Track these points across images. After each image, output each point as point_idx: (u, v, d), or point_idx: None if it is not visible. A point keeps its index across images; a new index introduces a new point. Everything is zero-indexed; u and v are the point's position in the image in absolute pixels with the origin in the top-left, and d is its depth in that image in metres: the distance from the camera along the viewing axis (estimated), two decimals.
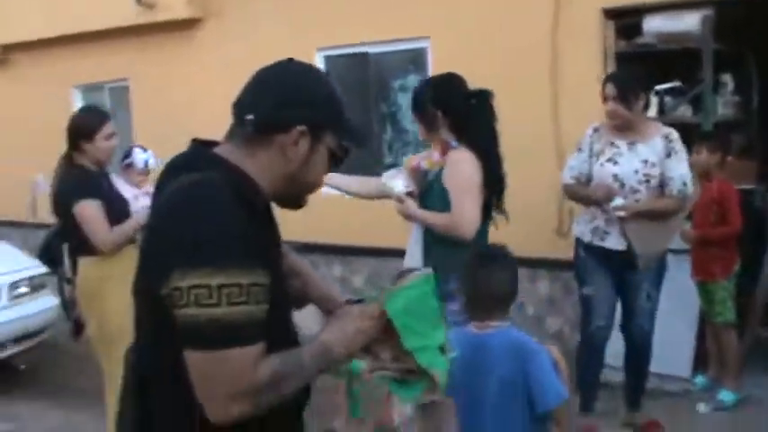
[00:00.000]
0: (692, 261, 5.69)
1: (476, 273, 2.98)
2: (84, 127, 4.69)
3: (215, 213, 1.80)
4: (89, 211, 4.60)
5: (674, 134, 4.90)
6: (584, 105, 5.59)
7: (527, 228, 6.09)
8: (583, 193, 5.07)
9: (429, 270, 2.25)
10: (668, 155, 4.84)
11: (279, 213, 2.09)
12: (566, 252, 5.38)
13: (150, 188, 5.93)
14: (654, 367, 5.46)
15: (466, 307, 3.02)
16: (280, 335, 2.00)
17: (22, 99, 11.02)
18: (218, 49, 8.78)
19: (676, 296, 5.86)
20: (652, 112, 6.18)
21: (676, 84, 6.36)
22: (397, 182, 4.39)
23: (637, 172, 4.83)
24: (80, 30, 9.84)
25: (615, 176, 4.85)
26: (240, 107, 2.00)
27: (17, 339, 6.86)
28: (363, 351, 2.11)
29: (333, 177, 4.08)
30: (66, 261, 5.03)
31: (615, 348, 5.37)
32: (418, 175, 4.39)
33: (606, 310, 5.08)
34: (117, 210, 4.75)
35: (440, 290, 3.84)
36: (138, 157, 6.01)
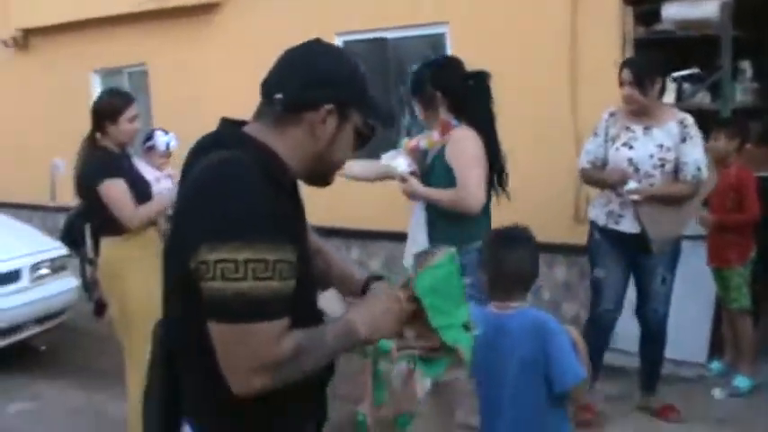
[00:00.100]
0: (708, 247, 5.71)
1: (497, 253, 3.00)
2: (108, 109, 4.73)
3: (243, 191, 1.83)
4: (115, 190, 4.65)
5: (690, 119, 4.93)
6: (602, 92, 5.60)
7: (545, 213, 6.13)
8: (598, 177, 5.11)
9: (452, 249, 2.28)
10: (683, 140, 4.87)
11: None
12: (583, 238, 5.40)
13: (171, 170, 6.00)
14: (669, 353, 5.49)
15: (486, 287, 3.05)
16: (305, 311, 2.03)
17: (41, 83, 11.08)
18: (236, 34, 8.81)
19: (692, 282, 5.88)
20: (670, 98, 6.19)
21: (695, 70, 6.36)
22: (400, 161, 4.47)
23: (652, 156, 4.86)
24: (100, 14, 9.90)
25: (630, 161, 4.88)
26: (268, 87, 2.04)
27: (38, 320, 6.94)
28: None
29: None
30: (89, 242, 5.08)
31: (630, 333, 5.41)
32: (417, 155, 4.51)
33: (615, 295, 5.13)
34: (139, 191, 4.80)
35: None
36: (160, 139, 6.06)
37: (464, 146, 4.29)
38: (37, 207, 10.59)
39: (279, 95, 1.99)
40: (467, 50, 6.90)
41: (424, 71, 4.48)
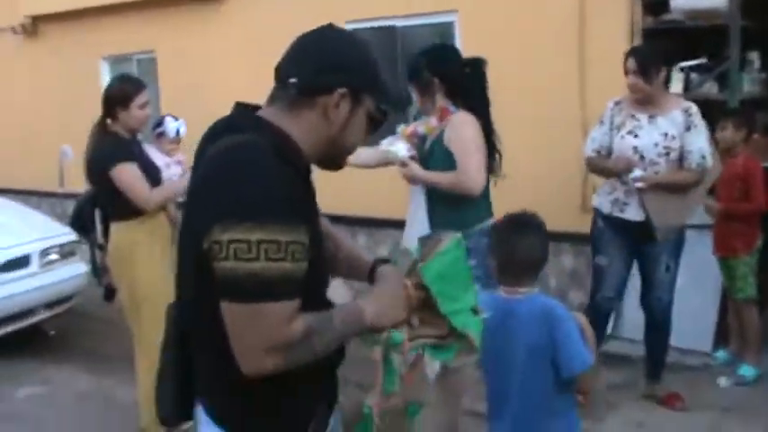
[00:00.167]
0: (714, 236, 5.73)
1: (507, 239, 3.02)
2: (120, 95, 4.76)
3: (257, 173, 1.85)
4: (128, 174, 4.68)
5: (694, 108, 4.97)
6: (610, 81, 5.61)
7: (552, 202, 6.14)
8: (603, 166, 5.15)
9: (458, 234, 2.31)
10: (688, 128, 4.91)
11: None
12: (589, 226, 5.42)
13: (181, 156, 6.04)
14: (675, 342, 5.52)
15: (496, 272, 3.07)
16: (316, 295, 2.06)
17: (50, 70, 11.11)
18: (244, 21, 8.82)
19: (698, 271, 5.91)
20: (678, 88, 6.21)
21: (702, 60, 6.36)
22: (399, 146, 4.53)
23: (656, 145, 4.90)
24: (109, 2, 9.93)
25: (635, 149, 4.92)
26: (282, 71, 2.06)
27: (47, 305, 6.99)
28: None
29: None
30: (99, 227, 5.11)
31: (635, 321, 5.43)
32: (416, 140, 4.59)
33: (615, 283, 5.19)
34: (150, 177, 4.82)
35: None
36: (170, 125, 6.10)
37: (463, 130, 4.36)
38: (46, 194, 10.64)
39: (293, 80, 2.01)
40: (475, 39, 6.95)
41: (420, 58, 4.55)
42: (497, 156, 4.61)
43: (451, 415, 4.65)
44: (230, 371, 1.91)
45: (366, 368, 2.33)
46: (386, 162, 4.65)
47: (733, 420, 5.06)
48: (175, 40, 9.52)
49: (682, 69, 6.27)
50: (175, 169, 5.90)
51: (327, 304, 2.13)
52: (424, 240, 2.30)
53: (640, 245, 5.10)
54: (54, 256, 7.05)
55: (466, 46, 6.93)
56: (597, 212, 5.25)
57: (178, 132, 6.09)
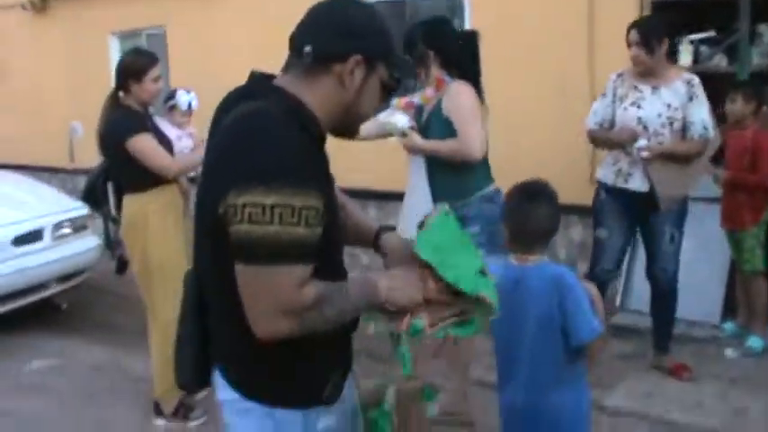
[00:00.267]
0: (722, 209, 5.74)
1: (518, 207, 3.04)
2: (134, 67, 4.78)
3: (271, 139, 1.88)
4: (145, 143, 4.71)
5: (696, 79, 5.02)
6: (619, 55, 5.60)
7: (560, 175, 6.13)
8: (606, 137, 5.19)
9: (445, 205, 2.37)
10: (690, 99, 4.96)
11: None
12: None
13: (192, 129, 6.07)
14: (683, 313, 5.55)
15: (507, 239, 3.10)
16: (331, 264, 2.10)
17: (59, 46, 11.11)
18: None
19: (706, 244, 5.94)
20: (687, 61, 6.22)
21: (712, 33, 6.35)
22: (399, 117, 4.58)
23: (660, 115, 4.94)
24: None
25: (639, 120, 4.97)
26: (297, 40, 2.08)
27: (60, 279, 7.05)
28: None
29: None
30: (112, 200, 5.15)
31: (643, 293, 5.46)
32: (412, 111, 4.66)
33: (615, 255, 5.27)
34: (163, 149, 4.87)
35: (456, 216, 4.02)
36: (182, 98, 6.12)
37: (462, 98, 4.42)
38: (56, 170, 10.68)
39: (308, 48, 2.03)
40: (485, 14, 6.96)
41: (416, 31, 4.60)
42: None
43: (459, 385, 4.70)
44: (246, 337, 1.95)
45: (377, 339, 2.37)
46: (385, 134, 4.70)
47: (740, 391, 5.09)
48: (185, 16, 9.51)
49: (691, 42, 6.27)
50: (187, 142, 5.93)
51: (344, 274, 2.16)
52: (420, 224, 2.32)
53: (644, 216, 5.15)
54: (66, 230, 7.10)
55: (475, 22, 6.96)
56: (600, 185, 5.29)
57: (190, 105, 6.12)
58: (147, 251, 4.84)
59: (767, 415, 4.75)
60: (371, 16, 2.11)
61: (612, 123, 5.14)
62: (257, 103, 1.97)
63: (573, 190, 6.13)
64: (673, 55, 6.21)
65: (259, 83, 2.11)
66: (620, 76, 5.16)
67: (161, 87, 4.96)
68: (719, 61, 6.26)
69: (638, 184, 5.04)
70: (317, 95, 2.06)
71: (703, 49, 6.32)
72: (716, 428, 4.63)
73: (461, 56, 4.52)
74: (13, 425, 5.12)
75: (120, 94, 4.83)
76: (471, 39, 4.60)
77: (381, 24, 2.13)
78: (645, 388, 5.18)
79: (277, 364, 2.06)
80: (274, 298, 1.88)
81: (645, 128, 4.95)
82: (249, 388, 2.11)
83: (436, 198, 4.45)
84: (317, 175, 1.96)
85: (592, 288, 3.09)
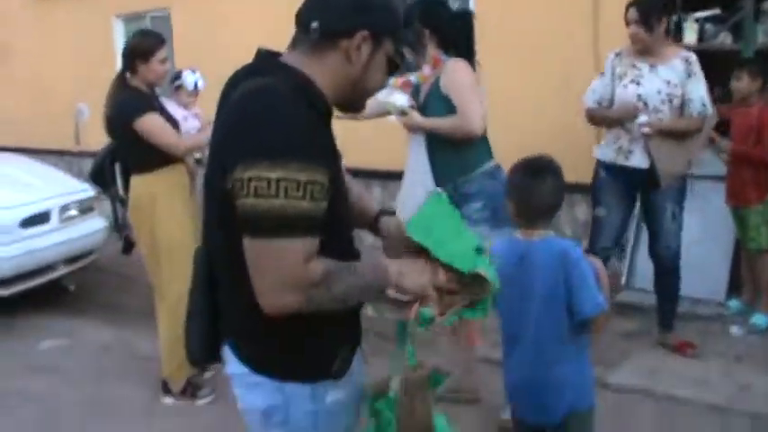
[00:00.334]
0: (727, 187, 5.76)
1: (526, 183, 3.05)
2: (141, 48, 4.79)
3: (278, 115, 1.90)
4: (153, 123, 4.73)
5: (693, 57, 5.05)
6: (624, 37, 5.61)
7: (565, 153, 6.15)
8: (605, 115, 5.21)
9: (437, 189, 2.40)
10: (688, 76, 4.99)
11: None
12: None
13: (198, 110, 6.09)
14: (689, 291, 5.58)
15: (512, 215, 3.11)
16: (341, 238, 2.12)
17: (64, 29, 11.13)
18: None
19: (711, 222, 5.96)
20: (692, 39, 6.21)
21: (716, 11, 6.34)
22: (397, 96, 4.59)
23: (659, 92, 4.97)
24: None
25: (639, 97, 5.00)
26: (303, 16, 2.09)
27: (67, 260, 7.10)
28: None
29: None
30: (119, 181, 5.18)
31: (648, 271, 5.48)
32: (409, 90, 4.69)
33: (613, 234, 5.28)
34: None
35: (458, 193, 4.03)
36: (188, 79, 6.14)
37: (459, 75, 4.44)
38: (62, 152, 10.72)
39: (315, 24, 2.04)
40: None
41: (413, 11, 4.60)
42: None
43: (466, 362, 4.73)
44: (256, 313, 1.96)
45: (386, 319, 2.39)
46: (384, 113, 4.72)
47: (745, 367, 5.12)
48: None
49: (696, 20, 6.26)
50: (193, 122, 5.96)
51: (356, 253, 2.19)
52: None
53: (644, 194, 5.19)
54: (73, 212, 7.14)
55: (481, 3, 6.95)
56: (599, 163, 5.32)
57: (196, 85, 6.14)
58: (155, 231, 4.87)
59: None
60: None
61: (611, 102, 5.17)
62: (265, 80, 1.99)
63: (577, 169, 6.14)
64: (678, 33, 6.22)
65: (266, 60, 2.12)
66: (618, 54, 5.19)
67: (168, 69, 4.98)
68: (724, 39, 6.25)
69: (638, 160, 5.06)
70: (324, 71, 2.07)
71: (708, 26, 6.31)
72: (720, 404, 4.65)
73: (457, 35, 4.54)
74: (24, 403, 5.16)
75: (127, 75, 4.85)
76: (466, 18, 4.63)
77: (388, 0, 2.13)
78: (650, 365, 5.20)
79: (287, 340, 2.08)
80: (280, 271, 1.89)
81: (645, 104, 4.98)
82: (259, 363, 2.13)
83: (437, 176, 4.48)
84: (323, 151, 1.98)
85: (597, 263, 3.11)
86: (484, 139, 4.52)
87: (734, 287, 6.09)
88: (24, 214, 6.72)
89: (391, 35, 2.12)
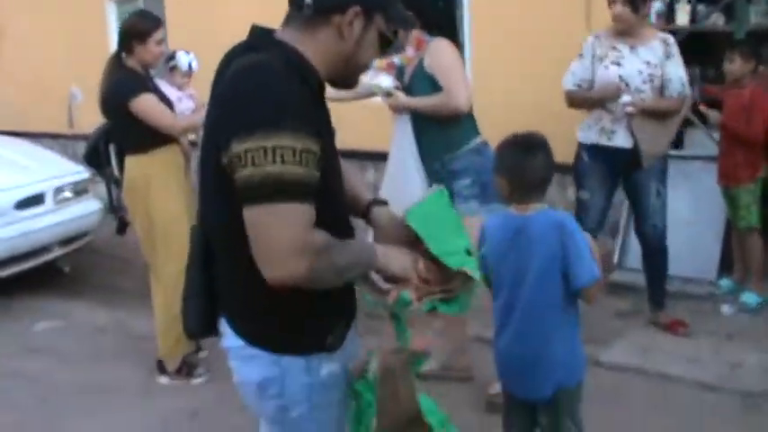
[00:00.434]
0: (718, 166, 5.79)
1: (517, 159, 3.09)
2: (138, 29, 4.80)
3: (273, 93, 1.92)
4: (148, 103, 4.74)
5: (671, 39, 5.12)
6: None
7: (557, 136, 6.15)
8: (586, 96, 5.23)
9: (441, 186, 2.45)
10: (667, 57, 5.04)
11: None
12: None
13: (192, 90, 6.10)
14: (680, 270, 5.62)
15: (505, 191, 3.14)
16: (335, 211, 2.14)
17: (56, 12, 11.08)
18: None
19: (703, 201, 6.00)
20: (684, 20, 6.22)
21: None
22: (383, 78, 4.63)
23: (641, 72, 5.01)
24: None
25: (620, 77, 5.03)
26: None
27: (62, 242, 7.11)
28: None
29: None
30: (114, 161, 5.19)
31: (640, 251, 5.51)
32: (393, 71, 4.76)
33: (597, 216, 5.31)
34: None
35: (445, 170, 4.08)
36: (183, 59, 6.16)
37: (443, 53, 4.50)
38: (56, 135, 10.69)
39: (308, 0, 2.06)
40: None
41: None
42: None
43: (456, 342, 4.77)
44: (253, 290, 2.01)
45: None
46: (370, 95, 4.75)
47: (735, 346, 5.17)
48: None
49: (688, 1, 6.27)
50: (187, 103, 5.97)
51: (350, 232, 2.23)
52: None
53: (627, 174, 5.22)
54: (68, 194, 7.15)
55: None
56: (581, 146, 5.33)
57: (190, 66, 6.16)
58: (150, 212, 4.88)
59: (761, 369, 4.83)
60: None
61: (591, 84, 5.18)
62: (258, 56, 2.01)
63: (570, 151, 6.18)
64: (670, 14, 6.23)
65: (260, 37, 2.14)
66: (597, 37, 5.21)
67: (164, 50, 5.01)
68: (717, 20, 6.26)
69: (621, 140, 5.09)
70: (316, 47, 2.09)
71: (701, 8, 6.32)
72: (711, 382, 4.69)
73: (440, 16, 4.58)
74: (20, 384, 5.19)
75: (123, 55, 4.85)
76: (451, 1, 4.65)
77: None
78: (642, 343, 5.25)
79: (284, 316, 2.11)
80: (283, 236, 1.90)
81: (627, 85, 5.01)
82: (255, 337, 2.16)
83: (424, 154, 4.53)
84: (315, 123, 1.99)
85: (589, 238, 3.15)
86: (470, 116, 4.55)
87: (725, 266, 6.12)
88: (19, 196, 6.73)
89: (383, 11, 2.14)
